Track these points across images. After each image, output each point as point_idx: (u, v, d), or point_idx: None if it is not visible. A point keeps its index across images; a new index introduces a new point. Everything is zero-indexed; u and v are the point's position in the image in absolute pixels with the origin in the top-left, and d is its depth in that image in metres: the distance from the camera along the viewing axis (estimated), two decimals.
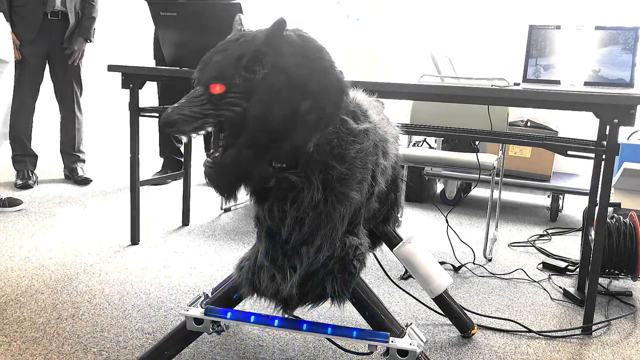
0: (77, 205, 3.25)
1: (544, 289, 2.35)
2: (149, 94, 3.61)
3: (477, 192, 4.31)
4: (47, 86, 3.67)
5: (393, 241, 1.77)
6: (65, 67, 3.64)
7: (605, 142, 1.89)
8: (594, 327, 1.97)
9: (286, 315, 1.36)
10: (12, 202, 3.07)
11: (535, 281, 2.44)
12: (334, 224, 1.25)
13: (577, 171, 4.03)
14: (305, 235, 1.25)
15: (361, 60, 5.86)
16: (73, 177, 3.82)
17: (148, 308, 1.96)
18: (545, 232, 3.28)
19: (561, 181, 3.68)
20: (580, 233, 2.92)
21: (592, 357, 1.78)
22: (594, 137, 2.27)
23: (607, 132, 1.89)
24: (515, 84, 2.12)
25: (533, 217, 3.68)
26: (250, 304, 1.99)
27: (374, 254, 1.95)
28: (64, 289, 2.08)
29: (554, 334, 1.93)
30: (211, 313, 1.42)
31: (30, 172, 3.66)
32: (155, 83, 3.84)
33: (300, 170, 1.21)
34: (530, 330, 1.94)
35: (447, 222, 2.92)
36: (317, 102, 1.15)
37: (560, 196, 3.64)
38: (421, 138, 3.99)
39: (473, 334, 1.87)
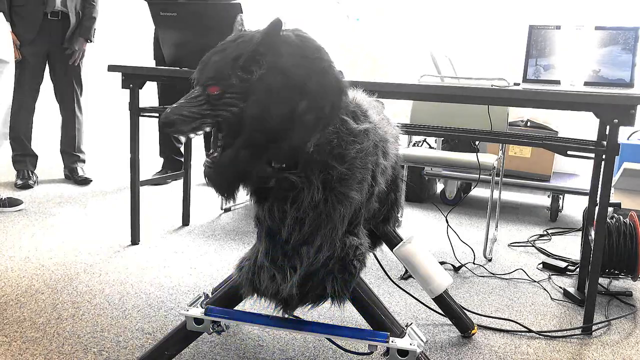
0: (77, 205, 3.25)
1: (544, 289, 2.35)
2: (149, 94, 3.61)
3: (477, 192, 4.31)
4: (47, 86, 3.67)
5: (393, 241, 1.77)
6: (66, 67, 3.64)
7: (605, 142, 1.89)
8: (594, 327, 1.97)
9: (286, 315, 1.36)
10: (12, 202, 3.07)
11: (535, 281, 2.44)
12: (334, 224, 1.25)
13: (577, 171, 4.02)
14: (306, 235, 1.25)
15: (361, 60, 5.86)
16: (73, 177, 3.82)
17: (148, 308, 1.96)
18: (545, 232, 3.28)
19: (561, 181, 3.68)
20: (580, 233, 2.92)
21: (592, 357, 1.78)
22: (594, 137, 2.27)
23: (607, 132, 1.89)
24: (515, 84, 2.12)
25: (533, 217, 3.68)
26: (250, 304, 1.99)
27: (374, 254, 1.95)
28: (64, 289, 2.08)
29: (554, 334, 1.93)
30: (211, 313, 1.42)
31: (30, 172, 3.66)
32: (155, 83, 3.84)
33: (300, 170, 1.21)
34: (530, 330, 1.94)
35: (447, 222, 2.92)
36: (316, 102, 1.15)
37: (560, 196, 3.64)
38: (421, 138, 3.99)
39: (473, 334, 1.87)
